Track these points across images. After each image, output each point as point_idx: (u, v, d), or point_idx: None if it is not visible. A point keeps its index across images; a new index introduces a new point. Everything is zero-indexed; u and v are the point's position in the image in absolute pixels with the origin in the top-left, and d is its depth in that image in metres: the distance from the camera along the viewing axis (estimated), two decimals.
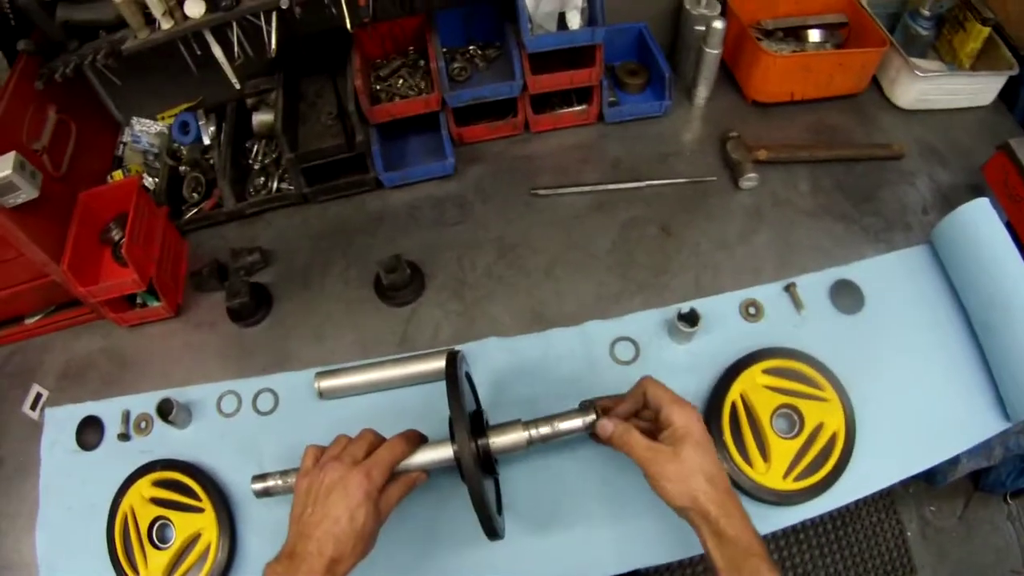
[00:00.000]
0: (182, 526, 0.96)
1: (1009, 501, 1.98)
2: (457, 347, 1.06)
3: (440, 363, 1.02)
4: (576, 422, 0.87)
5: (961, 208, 1.08)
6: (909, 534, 1.96)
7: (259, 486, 0.89)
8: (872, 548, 1.93)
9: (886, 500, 1.99)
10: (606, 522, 0.95)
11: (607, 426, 0.84)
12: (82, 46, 1.11)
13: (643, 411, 0.88)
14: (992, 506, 2.00)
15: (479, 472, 0.79)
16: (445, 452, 0.86)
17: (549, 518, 0.96)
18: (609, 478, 0.97)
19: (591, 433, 0.88)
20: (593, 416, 0.86)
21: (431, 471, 0.87)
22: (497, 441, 0.86)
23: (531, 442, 0.86)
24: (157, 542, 0.96)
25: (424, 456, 0.86)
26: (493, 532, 0.81)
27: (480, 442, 0.85)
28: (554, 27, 1.23)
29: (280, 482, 0.89)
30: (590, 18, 1.23)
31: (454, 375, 0.82)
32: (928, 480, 1.73)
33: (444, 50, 1.34)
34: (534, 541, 0.95)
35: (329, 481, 0.78)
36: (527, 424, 0.87)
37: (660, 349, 1.08)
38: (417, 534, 0.96)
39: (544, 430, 0.87)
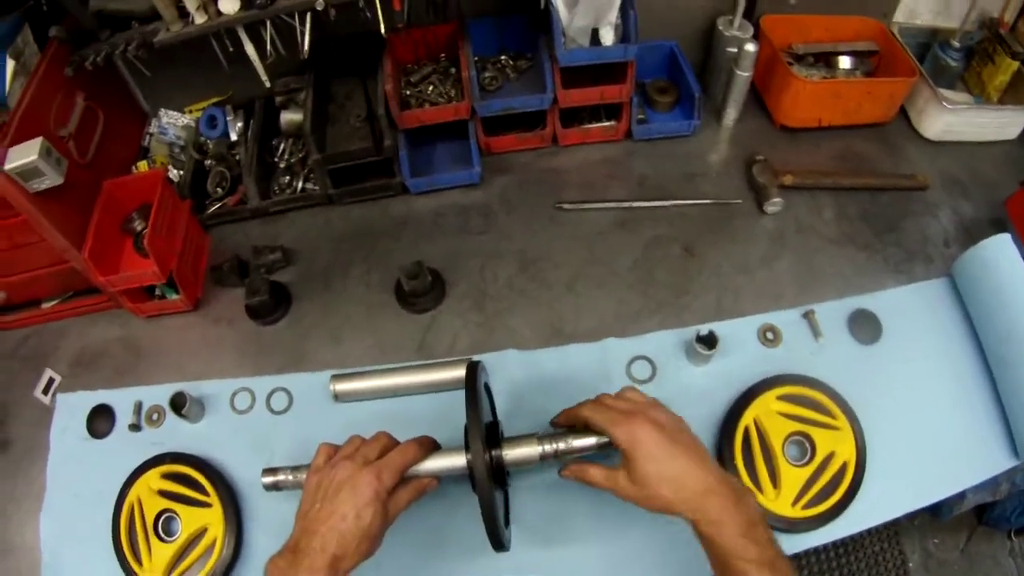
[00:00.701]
0: (189, 520, 0.96)
1: (1013, 538, 1.97)
2: (475, 357, 1.06)
3: (457, 372, 1.02)
4: (590, 440, 0.86)
5: (983, 243, 1.08)
6: (911, 565, 1.95)
7: (269, 479, 0.89)
8: None
9: (890, 530, 1.97)
10: (613, 542, 0.95)
11: (566, 474, 0.86)
12: (114, 35, 1.11)
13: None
14: (995, 541, 1.98)
15: (491, 483, 0.79)
16: (458, 460, 0.85)
17: (556, 534, 0.95)
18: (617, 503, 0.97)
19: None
20: (608, 438, 0.85)
21: (441, 478, 0.87)
22: (511, 454, 0.86)
23: (544, 457, 0.86)
24: (163, 535, 0.96)
25: (436, 463, 0.86)
26: (500, 544, 0.81)
27: (494, 453, 0.85)
28: (587, 42, 1.22)
29: (290, 477, 0.89)
30: (623, 35, 1.23)
31: (473, 385, 0.82)
32: (933, 512, 1.70)
33: (476, 59, 1.34)
34: (539, 555, 0.94)
35: (339, 479, 0.78)
36: (541, 439, 0.87)
37: (677, 370, 1.08)
38: (423, 539, 0.95)
39: (559, 445, 0.86)
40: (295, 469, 0.89)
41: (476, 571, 0.93)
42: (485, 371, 0.94)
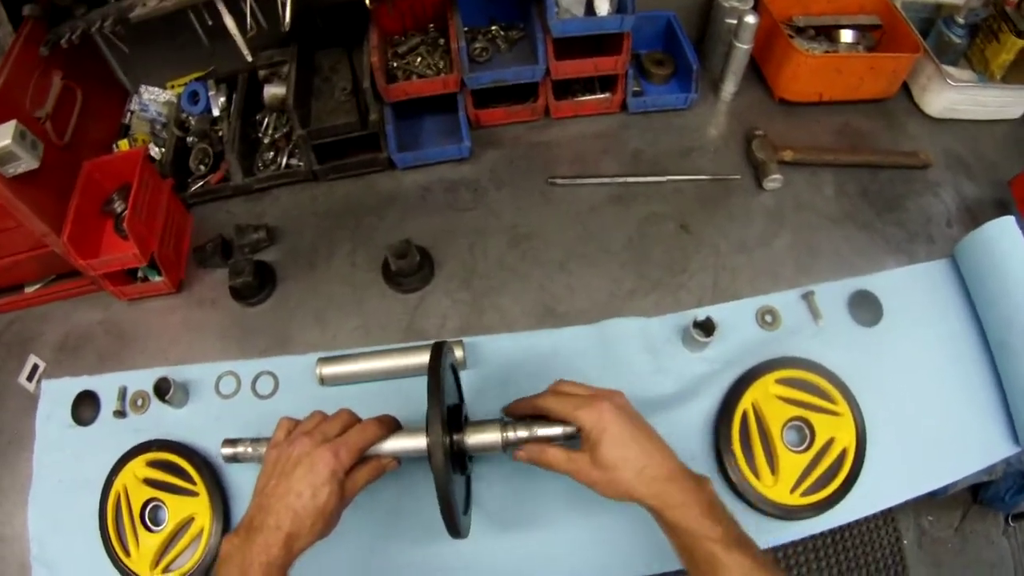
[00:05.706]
0: (175, 509, 0.94)
1: (1011, 523, 1.97)
2: (466, 338, 1.04)
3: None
4: (556, 430, 0.84)
5: (986, 225, 1.06)
6: (905, 542, 1.95)
7: (228, 451, 0.88)
8: (868, 555, 1.92)
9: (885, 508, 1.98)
10: (577, 528, 0.93)
11: (520, 456, 0.83)
12: (89, 12, 1.07)
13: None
14: (989, 520, 1.99)
15: (449, 468, 0.77)
16: (418, 442, 0.84)
17: (518, 520, 0.94)
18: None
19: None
20: (575, 426, 0.82)
21: (402, 459, 0.86)
22: (472, 439, 0.84)
23: (507, 444, 0.84)
24: (149, 524, 0.94)
25: (397, 443, 0.84)
26: (455, 530, 0.79)
27: (455, 437, 0.83)
28: (581, 12, 1.18)
29: (250, 449, 0.88)
30: (619, 4, 1.19)
31: (437, 366, 0.79)
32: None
33: (465, 29, 1.30)
34: (499, 541, 0.93)
35: (296, 455, 0.76)
36: (505, 425, 0.85)
37: (672, 357, 1.05)
38: (381, 520, 0.94)
39: (522, 433, 0.84)
40: (255, 441, 0.88)
41: (435, 554, 0.92)
42: (452, 352, 0.91)
